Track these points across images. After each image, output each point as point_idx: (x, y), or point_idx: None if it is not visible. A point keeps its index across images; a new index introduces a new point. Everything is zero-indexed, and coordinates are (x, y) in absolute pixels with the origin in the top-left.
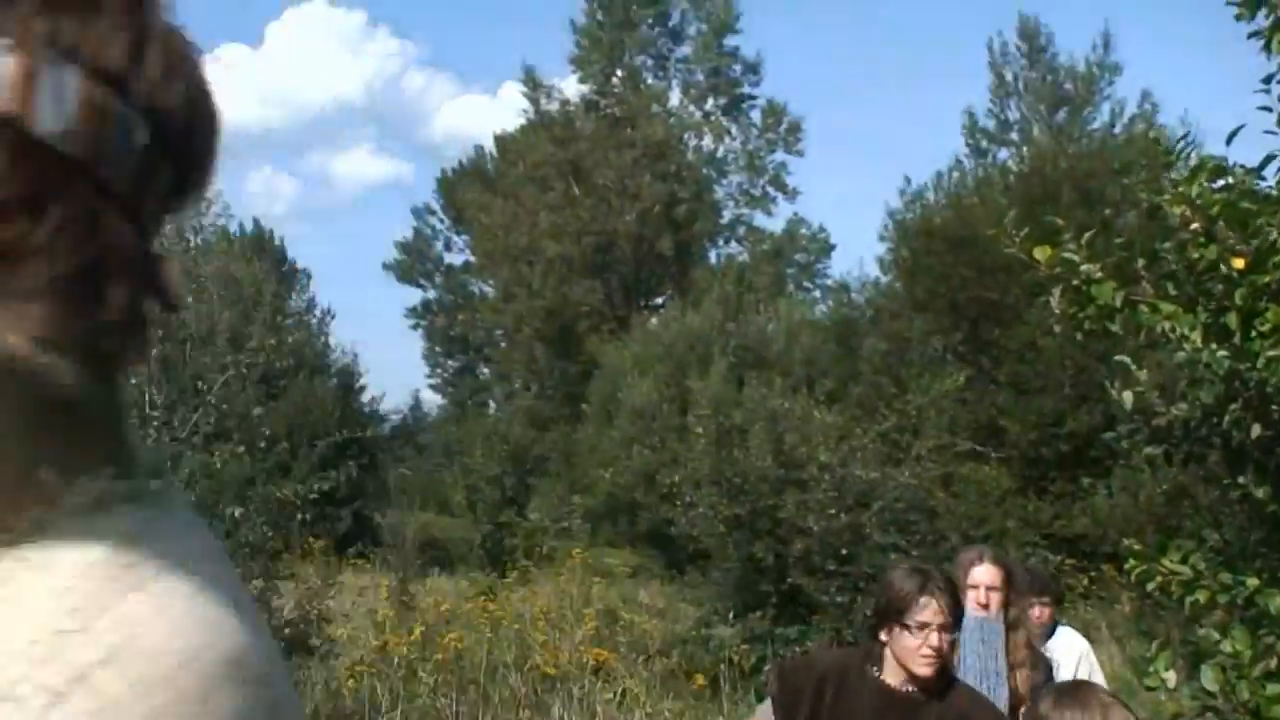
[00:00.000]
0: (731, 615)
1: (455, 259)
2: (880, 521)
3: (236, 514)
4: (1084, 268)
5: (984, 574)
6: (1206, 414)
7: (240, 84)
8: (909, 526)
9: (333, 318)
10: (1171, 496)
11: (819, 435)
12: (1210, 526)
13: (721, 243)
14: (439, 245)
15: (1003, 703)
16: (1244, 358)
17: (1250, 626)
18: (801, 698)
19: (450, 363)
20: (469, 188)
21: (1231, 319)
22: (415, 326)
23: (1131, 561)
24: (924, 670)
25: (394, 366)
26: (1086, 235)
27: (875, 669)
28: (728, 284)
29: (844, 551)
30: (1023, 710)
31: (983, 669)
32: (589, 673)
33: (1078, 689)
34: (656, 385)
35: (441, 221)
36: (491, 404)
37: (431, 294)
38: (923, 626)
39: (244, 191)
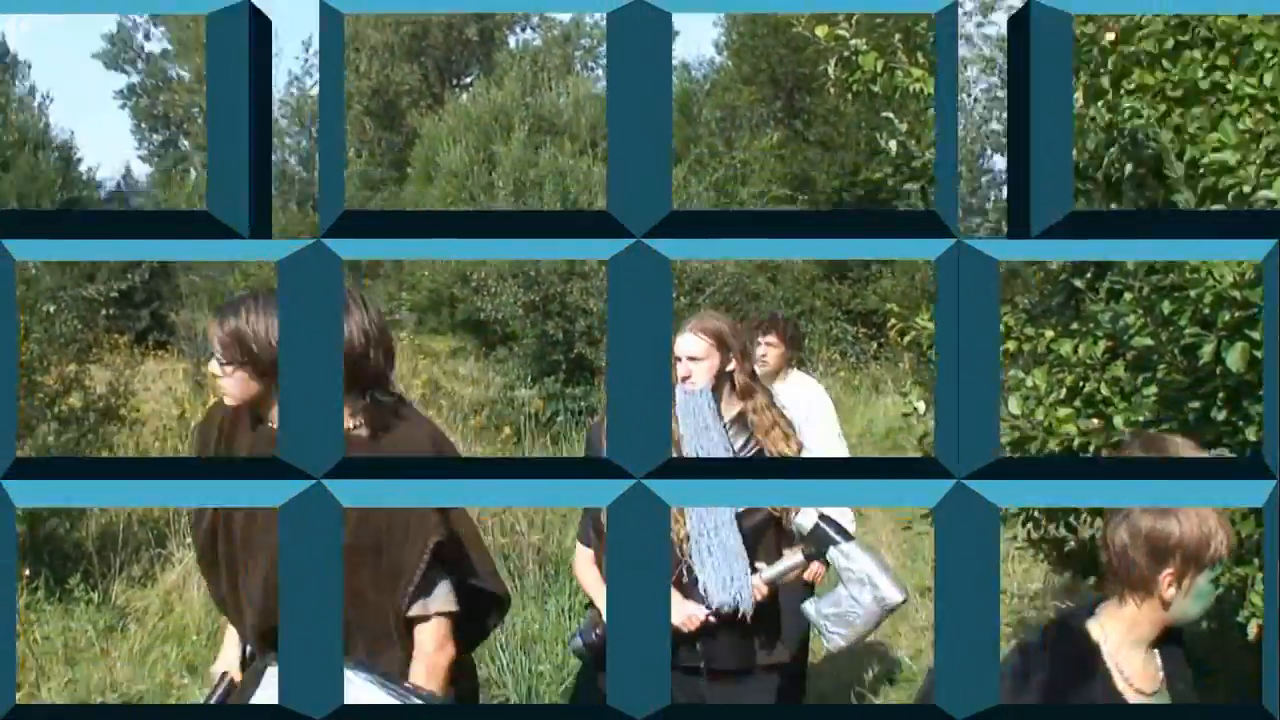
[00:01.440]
0: (530, 380)
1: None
2: (712, 304)
3: (51, 310)
4: (852, 42)
5: (680, 345)
6: (1092, 158)
7: None
8: (735, 307)
9: (51, 101)
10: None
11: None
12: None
13: (519, 30)
14: (139, 35)
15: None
16: (1118, 111)
17: (1047, 367)
18: None
19: (155, 136)
20: None
21: (1105, 80)
22: (123, 106)
23: (892, 320)
24: None
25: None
26: (855, 15)
27: None
28: (525, 64)
29: None
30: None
31: (697, 442)
32: None
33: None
34: (468, 151)
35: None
36: (192, 172)
37: (135, 79)
38: None
39: None
